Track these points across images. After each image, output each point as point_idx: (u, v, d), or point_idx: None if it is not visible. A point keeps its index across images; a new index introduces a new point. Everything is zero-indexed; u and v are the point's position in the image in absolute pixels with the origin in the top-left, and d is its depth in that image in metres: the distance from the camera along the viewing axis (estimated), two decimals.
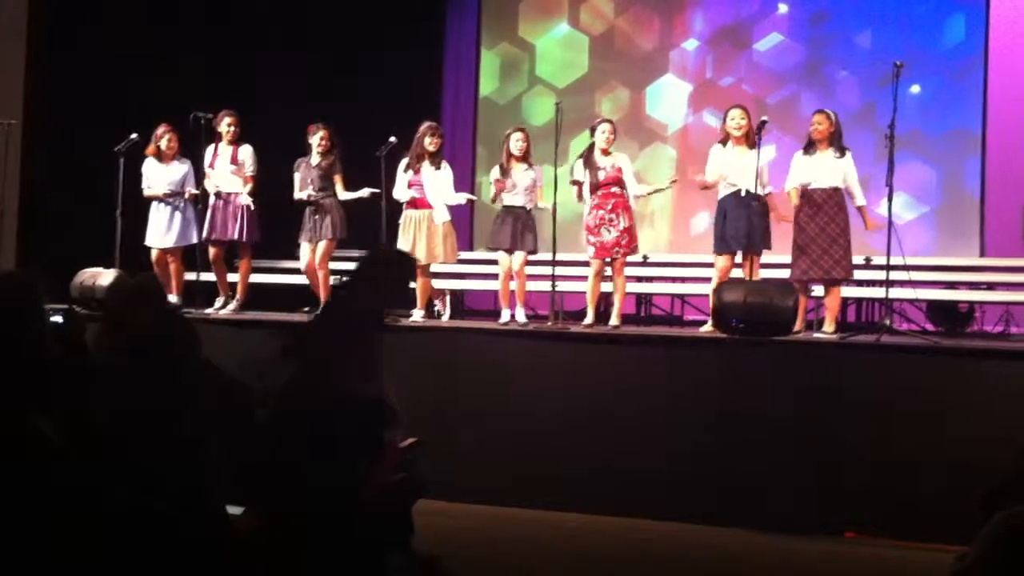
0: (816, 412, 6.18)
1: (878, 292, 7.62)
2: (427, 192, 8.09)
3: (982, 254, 10.45)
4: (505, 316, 7.93)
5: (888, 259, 6.80)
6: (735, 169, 7.44)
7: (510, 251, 7.95)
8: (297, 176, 8.47)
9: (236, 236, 8.48)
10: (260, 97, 10.18)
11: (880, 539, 5.90)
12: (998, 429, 5.58)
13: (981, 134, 10.65)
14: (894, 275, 7.34)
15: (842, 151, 7.37)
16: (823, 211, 7.27)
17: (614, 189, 7.75)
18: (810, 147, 7.45)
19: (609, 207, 7.72)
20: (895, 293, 8.06)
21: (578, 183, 7.88)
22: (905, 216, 10.51)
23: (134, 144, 8.48)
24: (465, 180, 12.18)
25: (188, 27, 10.43)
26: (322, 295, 8.40)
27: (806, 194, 7.37)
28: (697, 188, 8.23)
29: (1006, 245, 9.97)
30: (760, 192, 7.36)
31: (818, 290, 7.74)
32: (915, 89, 10.68)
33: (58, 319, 7.04)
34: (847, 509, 6.03)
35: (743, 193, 7.35)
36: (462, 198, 8.33)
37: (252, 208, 8.45)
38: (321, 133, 8.41)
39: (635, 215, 7.92)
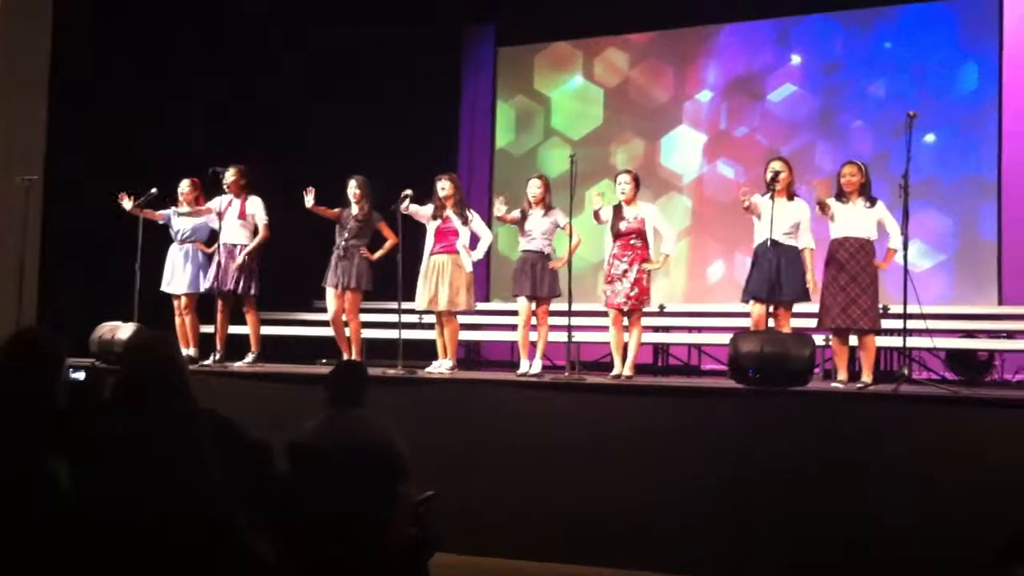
0: (836, 463, 6.11)
1: (896, 341, 7.56)
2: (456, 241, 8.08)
3: (1000, 302, 10.38)
4: (524, 366, 7.89)
5: (905, 308, 6.76)
6: (766, 218, 7.34)
7: (529, 298, 7.94)
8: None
9: (235, 287, 8.42)
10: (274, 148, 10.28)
11: None
12: (1019, 480, 5.51)
13: (997, 180, 10.64)
14: (912, 324, 7.28)
15: (872, 201, 7.27)
16: (855, 260, 7.20)
17: (633, 241, 7.68)
18: (840, 197, 7.38)
19: (626, 259, 7.67)
20: (913, 342, 8.01)
21: (596, 212, 7.76)
22: (922, 264, 10.48)
23: (154, 198, 8.56)
24: None
25: (227, 79, 10.72)
26: (353, 349, 8.39)
27: (838, 243, 7.33)
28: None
29: None
30: (794, 244, 7.33)
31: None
32: (930, 138, 10.70)
33: (79, 375, 7.11)
34: (871, 562, 5.95)
35: (768, 243, 7.31)
36: (481, 253, 8.27)
37: (252, 261, 8.45)
38: (352, 182, 8.36)
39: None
